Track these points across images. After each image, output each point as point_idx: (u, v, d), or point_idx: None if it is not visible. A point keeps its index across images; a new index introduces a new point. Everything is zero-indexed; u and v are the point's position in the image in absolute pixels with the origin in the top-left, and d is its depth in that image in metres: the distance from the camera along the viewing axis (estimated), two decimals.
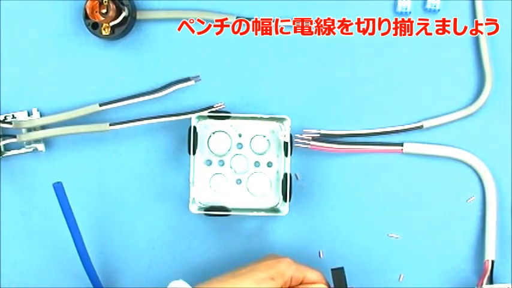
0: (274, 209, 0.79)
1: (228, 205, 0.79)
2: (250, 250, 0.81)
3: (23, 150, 0.80)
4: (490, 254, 0.78)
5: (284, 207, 0.78)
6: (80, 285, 0.76)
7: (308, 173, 0.81)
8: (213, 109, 0.79)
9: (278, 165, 0.79)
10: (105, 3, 0.77)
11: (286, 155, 0.78)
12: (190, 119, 0.77)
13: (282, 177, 0.78)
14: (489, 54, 0.79)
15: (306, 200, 0.81)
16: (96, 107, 0.79)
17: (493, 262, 0.78)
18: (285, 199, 0.78)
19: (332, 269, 0.73)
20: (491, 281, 0.78)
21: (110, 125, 0.78)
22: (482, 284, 0.77)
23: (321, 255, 0.81)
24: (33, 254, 0.81)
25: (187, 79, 0.80)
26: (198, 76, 0.80)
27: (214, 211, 0.78)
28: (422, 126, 0.80)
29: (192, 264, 0.81)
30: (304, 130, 0.80)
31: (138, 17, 0.79)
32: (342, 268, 0.73)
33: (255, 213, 0.78)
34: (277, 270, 0.72)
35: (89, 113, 0.79)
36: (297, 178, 0.81)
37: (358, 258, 0.80)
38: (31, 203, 0.81)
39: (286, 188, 0.77)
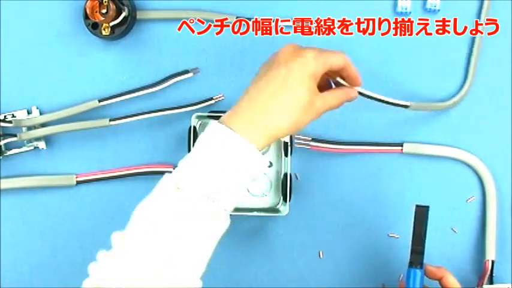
0: (274, 209, 0.79)
1: None
2: (250, 250, 0.81)
3: (24, 149, 0.80)
4: (490, 254, 0.78)
5: (284, 207, 0.78)
6: (80, 285, 0.75)
7: (308, 173, 0.81)
8: (212, 101, 0.79)
9: (278, 165, 0.79)
10: (105, 3, 0.77)
11: (286, 155, 0.78)
12: (190, 117, 0.77)
13: (282, 177, 0.78)
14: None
15: (306, 200, 0.81)
16: (95, 103, 0.79)
17: (493, 262, 0.78)
18: (285, 199, 0.77)
19: (417, 205, 0.70)
20: (491, 281, 0.78)
21: (110, 120, 0.78)
22: (482, 284, 0.77)
23: (321, 255, 0.81)
24: (33, 254, 0.81)
25: (186, 71, 0.79)
26: (197, 68, 0.80)
27: None
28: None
29: None
30: None
31: (138, 17, 0.79)
32: (428, 207, 0.69)
33: (255, 213, 0.78)
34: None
35: (88, 109, 0.79)
36: (297, 178, 0.81)
37: (358, 258, 0.80)
38: (32, 203, 0.81)
39: (286, 188, 0.77)
